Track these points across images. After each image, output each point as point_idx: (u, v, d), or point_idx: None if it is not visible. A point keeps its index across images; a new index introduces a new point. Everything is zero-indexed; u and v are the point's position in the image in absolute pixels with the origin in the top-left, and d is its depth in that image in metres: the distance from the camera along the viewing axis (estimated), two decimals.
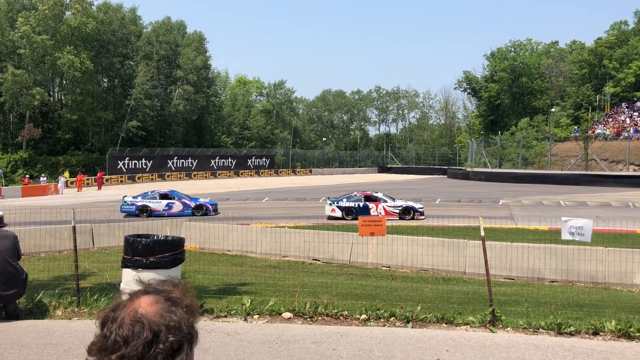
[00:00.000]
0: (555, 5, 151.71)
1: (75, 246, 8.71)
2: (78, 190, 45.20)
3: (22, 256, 8.22)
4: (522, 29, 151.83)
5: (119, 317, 1.19)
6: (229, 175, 67.74)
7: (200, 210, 26.42)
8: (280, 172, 74.65)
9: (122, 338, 1.16)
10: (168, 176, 61.07)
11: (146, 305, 1.21)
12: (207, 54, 78.15)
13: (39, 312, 7.75)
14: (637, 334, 6.84)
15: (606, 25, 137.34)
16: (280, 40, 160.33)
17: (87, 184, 49.62)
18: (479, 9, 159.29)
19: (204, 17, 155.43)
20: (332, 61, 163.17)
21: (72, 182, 47.60)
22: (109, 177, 54.07)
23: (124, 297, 1.26)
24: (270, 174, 72.39)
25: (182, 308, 1.23)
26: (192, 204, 26.75)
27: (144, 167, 60.79)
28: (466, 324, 7.33)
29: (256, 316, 7.60)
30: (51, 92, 65.39)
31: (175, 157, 64.75)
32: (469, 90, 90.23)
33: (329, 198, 26.27)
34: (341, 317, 7.55)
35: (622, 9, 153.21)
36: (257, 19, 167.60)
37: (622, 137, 54.62)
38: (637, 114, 61.71)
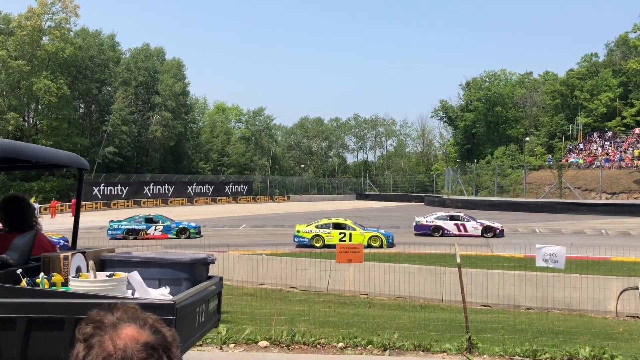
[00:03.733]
0: (529, 36, 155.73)
1: None
2: (52, 217, 44.38)
3: None
4: (497, 59, 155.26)
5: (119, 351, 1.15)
6: (206, 202, 67.18)
7: None
8: (258, 198, 74.31)
9: None
10: (144, 202, 60.27)
11: (137, 333, 1.18)
12: (186, 80, 78.32)
13: None
14: None
15: (577, 57, 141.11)
16: (259, 68, 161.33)
17: (61, 210, 48.79)
18: (454, 40, 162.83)
19: (183, 44, 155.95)
20: (311, 89, 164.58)
21: (45, 209, 46.76)
22: (83, 203, 53.22)
23: (98, 335, 1.18)
24: (248, 201, 72.00)
25: (162, 326, 1.24)
26: None
27: (120, 193, 59.99)
28: (443, 352, 7.32)
29: (232, 345, 7.49)
30: (26, 118, 64.59)
31: (152, 184, 64.06)
32: (445, 119, 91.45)
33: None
34: (318, 346, 7.48)
35: (592, 41, 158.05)
36: (236, 46, 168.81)
37: (594, 165, 55.72)
38: (608, 143, 63.16)
